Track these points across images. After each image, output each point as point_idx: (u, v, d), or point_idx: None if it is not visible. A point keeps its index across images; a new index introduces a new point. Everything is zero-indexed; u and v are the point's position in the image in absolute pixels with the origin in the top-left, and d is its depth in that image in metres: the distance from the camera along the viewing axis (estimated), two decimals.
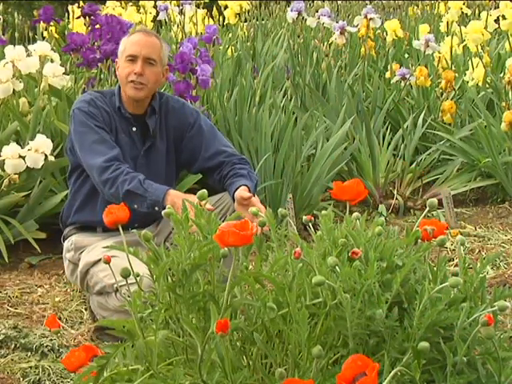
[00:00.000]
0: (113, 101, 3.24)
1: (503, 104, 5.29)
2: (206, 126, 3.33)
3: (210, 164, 3.27)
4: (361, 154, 5.06)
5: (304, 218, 2.25)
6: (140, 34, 3.22)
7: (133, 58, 3.15)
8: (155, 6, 7.50)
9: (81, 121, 3.16)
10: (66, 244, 3.26)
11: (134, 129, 3.24)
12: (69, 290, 3.53)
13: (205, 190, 2.22)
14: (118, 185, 3.01)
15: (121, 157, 3.10)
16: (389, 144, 5.26)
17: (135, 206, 2.96)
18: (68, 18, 7.03)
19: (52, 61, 4.59)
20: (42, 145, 3.94)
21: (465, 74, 5.91)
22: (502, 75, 5.74)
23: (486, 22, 6.38)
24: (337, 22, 6.53)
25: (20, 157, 3.94)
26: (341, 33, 6.30)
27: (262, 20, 8.61)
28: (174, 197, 2.92)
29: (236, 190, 3.04)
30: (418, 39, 6.47)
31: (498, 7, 6.69)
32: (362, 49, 6.62)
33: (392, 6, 10.50)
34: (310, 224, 2.23)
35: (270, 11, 9.37)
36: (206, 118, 3.45)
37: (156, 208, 2.95)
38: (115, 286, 2.91)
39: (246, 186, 3.04)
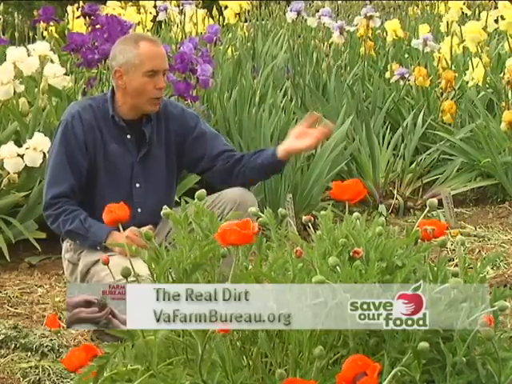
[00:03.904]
0: (105, 108, 3.16)
1: (503, 104, 5.29)
2: (206, 129, 3.31)
3: (216, 161, 3.24)
4: (361, 154, 5.05)
5: (304, 218, 2.25)
6: (152, 45, 3.11)
7: (154, 73, 3.08)
8: (155, 6, 7.50)
9: (59, 136, 3.16)
10: (65, 244, 3.25)
11: (129, 136, 3.18)
12: None
13: (203, 190, 2.21)
14: (60, 223, 3.09)
15: (71, 191, 3.11)
16: (389, 144, 5.26)
17: (77, 241, 3.11)
18: (68, 18, 7.02)
19: (52, 61, 4.59)
20: (40, 143, 3.94)
21: (465, 74, 5.91)
22: (501, 75, 5.74)
23: (486, 22, 6.38)
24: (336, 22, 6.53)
25: (18, 156, 3.94)
26: (340, 32, 6.30)
27: (262, 20, 8.60)
28: (117, 237, 2.94)
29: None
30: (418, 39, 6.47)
31: (498, 7, 6.69)
32: (362, 48, 6.62)
33: (392, 5, 10.48)
34: (310, 224, 2.22)
35: (270, 11, 9.35)
36: (204, 121, 3.43)
37: (98, 248, 3.03)
38: None
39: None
